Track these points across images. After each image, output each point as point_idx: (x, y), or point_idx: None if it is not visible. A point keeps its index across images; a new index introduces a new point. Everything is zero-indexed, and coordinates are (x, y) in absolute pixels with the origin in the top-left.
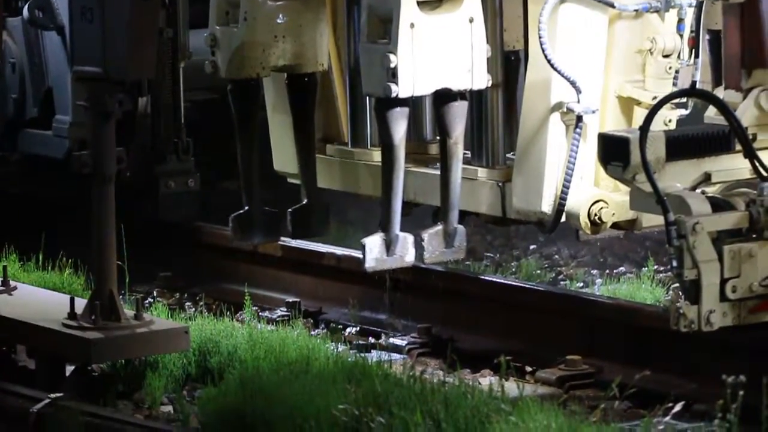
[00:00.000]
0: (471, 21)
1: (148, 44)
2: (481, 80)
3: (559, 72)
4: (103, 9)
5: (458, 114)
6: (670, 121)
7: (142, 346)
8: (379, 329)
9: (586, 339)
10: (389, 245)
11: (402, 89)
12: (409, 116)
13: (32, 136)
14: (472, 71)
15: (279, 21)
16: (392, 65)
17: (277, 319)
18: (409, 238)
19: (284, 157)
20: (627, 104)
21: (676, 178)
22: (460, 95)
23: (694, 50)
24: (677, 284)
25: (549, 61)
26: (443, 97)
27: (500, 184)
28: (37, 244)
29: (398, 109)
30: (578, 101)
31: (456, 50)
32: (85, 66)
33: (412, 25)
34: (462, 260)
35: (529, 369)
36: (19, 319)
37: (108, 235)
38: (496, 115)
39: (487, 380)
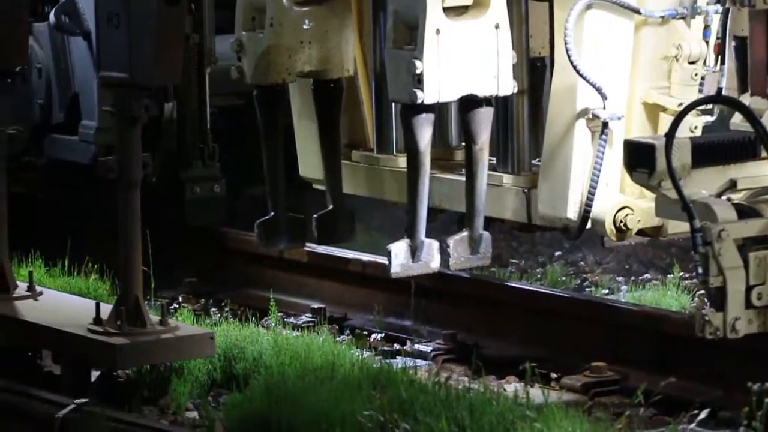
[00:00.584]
0: (497, 27)
1: (174, 49)
2: (507, 86)
3: (584, 78)
4: (129, 14)
5: (484, 120)
6: (696, 127)
7: (167, 352)
8: (404, 335)
9: (611, 345)
10: (415, 251)
11: (428, 95)
12: (434, 122)
13: (58, 142)
14: (498, 77)
15: (305, 26)
16: (418, 71)
17: (303, 325)
18: (435, 245)
19: (310, 163)
20: (653, 111)
21: (702, 185)
22: (486, 101)
23: (720, 57)
24: (702, 291)
25: (575, 67)
26: (469, 104)
27: (526, 190)
28: (63, 249)
29: (424, 115)
30: (604, 108)
31: (482, 56)
32: (112, 71)
33: (438, 31)
34: (487, 267)
35: (554, 375)
36: (44, 325)
37: (133, 240)
38: (521, 122)
39: (512, 387)
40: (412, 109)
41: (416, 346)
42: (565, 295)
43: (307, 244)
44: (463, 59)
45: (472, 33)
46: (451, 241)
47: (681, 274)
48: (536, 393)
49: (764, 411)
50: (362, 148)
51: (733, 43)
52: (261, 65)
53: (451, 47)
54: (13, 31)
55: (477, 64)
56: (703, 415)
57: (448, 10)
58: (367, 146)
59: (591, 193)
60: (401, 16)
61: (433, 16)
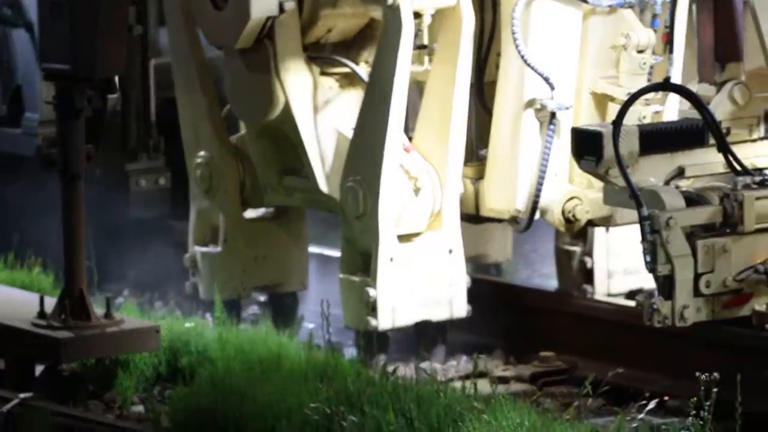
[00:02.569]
0: (451, 252)
1: (117, 41)
2: (461, 311)
3: (532, 68)
4: (72, 5)
5: None
6: (644, 117)
7: (112, 346)
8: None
9: (560, 335)
10: None
11: (382, 322)
12: None
13: (1, 134)
14: (451, 303)
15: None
16: (372, 299)
17: (249, 317)
18: None
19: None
20: (601, 100)
21: (650, 172)
22: None
23: (667, 45)
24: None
25: (522, 58)
26: None
27: (474, 181)
28: (5, 242)
29: None
30: (552, 98)
31: (435, 282)
32: (54, 63)
33: (391, 259)
34: None
35: (503, 366)
36: None
37: (77, 233)
38: (468, 112)
39: (459, 375)
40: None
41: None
42: (513, 284)
43: None
44: (417, 286)
45: (426, 259)
46: None
47: None
48: (484, 384)
49: (712, 400)
50: None
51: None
52: None
53: (405, 274)
54: None
55: (431, 290)
56: (651, 404)
57: (401, 237)
58: None
59: (540, 184)
60: (355, 244)
61: (387, 244)
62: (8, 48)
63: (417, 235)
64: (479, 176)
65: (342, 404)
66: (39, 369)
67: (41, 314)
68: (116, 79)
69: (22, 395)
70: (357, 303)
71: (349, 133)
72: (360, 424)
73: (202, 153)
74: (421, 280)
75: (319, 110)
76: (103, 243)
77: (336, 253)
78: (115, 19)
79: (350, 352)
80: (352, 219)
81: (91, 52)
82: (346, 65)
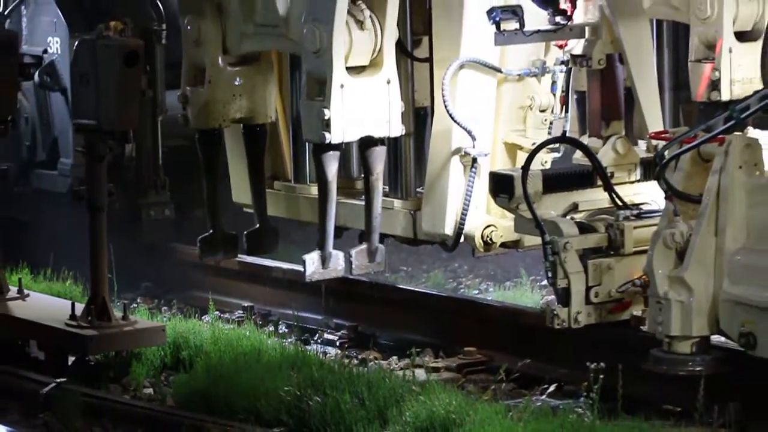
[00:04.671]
0: (388, 82)
1: (132, 102)
2: (397, 129)
3: (458, 123)
4: (97, 74)
5: (378, 156)
6: (546, 162)
7: (128, 341)
8: (316, 327)
9: (480, 334)
10: (325, 260)
11: (334, 136)
12: (339, 158)
13: (42, 175)
14: (389, 123)
15: (236, 83)
16: (326, 117)
17: (235, 319)
18: (341, 255)
19: (241, 191)
20: (512, 149)
21: (551, 207)
22: (380, 141)
23: (564, 106)
24: (552, 290)
25: (450, 115)
26: (367, 143)
27: (412, 212)
28: (45, 260)
29: (331, 152)
30: (473, 146)
31: (376, 106)
32: (83, 119)
33: (342, 86)
34: (382, 272)
35: (435, 358)
36: (31, 320)
37: (101, 253)
38: (408, 158)
39: (401, 366)
40: (322, 147)
41: (326, 335)
42: (443, 294)
43: (239, 256)
44: (361, 108)
45: (369, 87)
46: (354, 252)
47: (532, 277)
48: (420, 372)
49: (599, 385)
50: (282, 179)
51: (575, 96)
52: (202, 114)
53: (353, 98)
54: (4, 88)
55: (373, 111)
56: (551, 388)
57: (350, 69)
58: (287, 177)
59: (464, 214)
60: (312, 74)
61: (338, 74)
62: (47, 108)
63: (362, 68)
64: (417, 208)
65: (309, 388)
66: (71, 359)
67: (72, 316)
68: (131, 132)
69: (57, 380)
70: (315, 121)
71: None
72: (323, 404)
73: (192, 13)
74: (365, 103)
75: None
76: (121, 261)
77: None
78: (130, 85)
79: (315, 347)
80: (310, 54)
81: (112, 110)
82: None
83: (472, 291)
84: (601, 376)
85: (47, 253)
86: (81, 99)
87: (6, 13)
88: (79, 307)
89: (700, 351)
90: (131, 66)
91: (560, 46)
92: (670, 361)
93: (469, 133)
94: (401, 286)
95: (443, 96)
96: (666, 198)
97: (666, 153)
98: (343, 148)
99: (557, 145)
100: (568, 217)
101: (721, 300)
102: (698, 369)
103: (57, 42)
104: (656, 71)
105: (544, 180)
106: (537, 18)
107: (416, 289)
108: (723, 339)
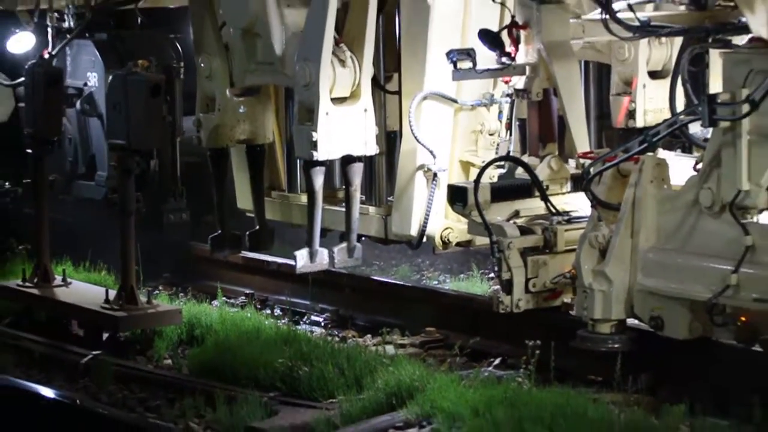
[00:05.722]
0: (365, 111)
1: (156, 126)
2: (372, 149)
3: (421, 144)
4: (127, 103)
5: (357, 171)
6: (493, 176)
7: (151, 321)
8: (304, 311)
9: (439, 317)
10: (312, 256)
11: (321, 155)
12: (325, 172)
13: (82, 185)
14: (366, 143)
15: (241, 110)
16: (314, 139)
17: (239, 303)
18: (325, 251)
19: (244, 199)
20: (466, 166)
21: (497, 213)
22: (358, 159)
23: (508, 131)
24: (498, 281)
25: (415, 137)
26: (347, 160)
27: (384, 216)
28: (85, 255)
29: (318, 168)
30: (434, 163)
31: (355, 130)
32: (115, 139)
33: (327, 113)
34: (359, 266)
35: (402, 336)
36: (73, 303)
37: (130, 249)
38: (381, 172)
39: (374, 342)
40: (311, 163)
41: (312, 317)
42: (409, 284)
43: (243, 252)
44: (343, 131)
45: (349, 114)
46: (336, 249)
47: (482, 271)
48: (390, 348)
49: (536, 359)
50: (278, 189)
51: (518, 123)
52: (212, 135)
53: (336, 123)
54: (52, 114)
55: (352, 134)
56: (497, 361)
57: (333, 100)
58: (282, 188)
59: (426, 218)
60: (303, 103)
61: (324, 104)
62: (87, 130)
63: (344, 98)
64: (387, 213)
65: (299, 360)
66: (105, 336)
67: (106, 301)
68: (155, 150)
69: (94, 352)
70: (305, 142)
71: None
72: (310, 373)
73: (204, 52)
74: (346, 128)
75: (284, 18)
76: (146, 256)
77: None
78: (154, 112)
79: (304, 326)
80: (301, 87)
81: (139, 133)
82: None
83: (432, 282)
84: (537, 352)
85: (86, 249)
86: (114, 123)
87: (54, 53)
88: (112, 293)
89: (618, 331)
90: (155, 96)
91: (506, 82)
92: (594, 340)
93: (431, 152)
94: (374, 278)
95: (410, 122)
96: (591, 206)
97: (591, 169)
98: (328, 164)
99: (503, 163)
100: (511, 222)
101: (635, 290)
102: (616, 346)
103: (95, 76)
104: (584, 103)
105: (492, 191)
106: (487, 59)
107: (387, 280)
108: (636, 322)
